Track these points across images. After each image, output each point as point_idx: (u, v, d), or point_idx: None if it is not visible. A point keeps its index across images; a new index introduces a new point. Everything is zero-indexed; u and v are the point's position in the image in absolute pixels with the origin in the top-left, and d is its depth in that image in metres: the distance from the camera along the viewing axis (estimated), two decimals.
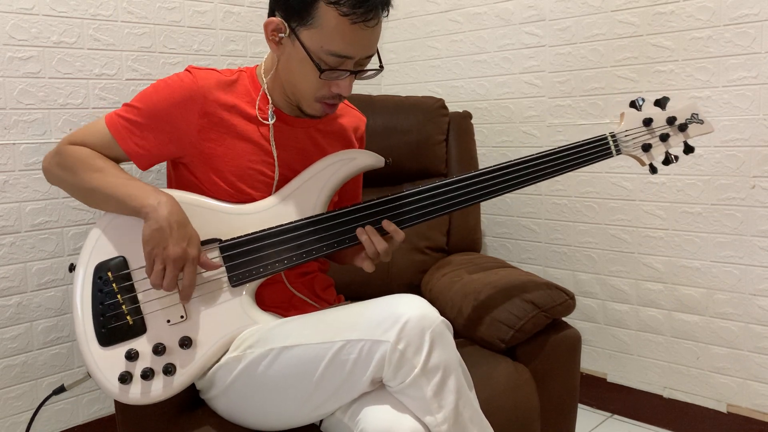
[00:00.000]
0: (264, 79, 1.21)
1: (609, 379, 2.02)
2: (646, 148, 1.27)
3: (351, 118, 1.35)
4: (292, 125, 1.23)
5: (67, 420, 1.74)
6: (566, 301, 1.36)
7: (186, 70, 1.18)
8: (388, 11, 1.12)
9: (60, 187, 1.21)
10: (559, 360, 1.37)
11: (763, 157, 1.68)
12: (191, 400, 1.23)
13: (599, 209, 1.97)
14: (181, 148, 1.17)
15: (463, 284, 1.52)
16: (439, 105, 1.89)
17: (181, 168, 1.21)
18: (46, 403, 1.70)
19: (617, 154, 1.27)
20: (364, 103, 1.85)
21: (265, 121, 1.20)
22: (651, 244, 1.88)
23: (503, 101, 2.14)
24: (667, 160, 1.29)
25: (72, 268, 1.14)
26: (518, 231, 2.16)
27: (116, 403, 1.21)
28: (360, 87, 2.40)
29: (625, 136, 1.27)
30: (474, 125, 2.14)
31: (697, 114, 1.28)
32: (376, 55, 1.14)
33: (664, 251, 1.86)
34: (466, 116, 1.94)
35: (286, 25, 1.10)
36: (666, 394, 1.91)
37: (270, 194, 1.21)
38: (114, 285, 1.10)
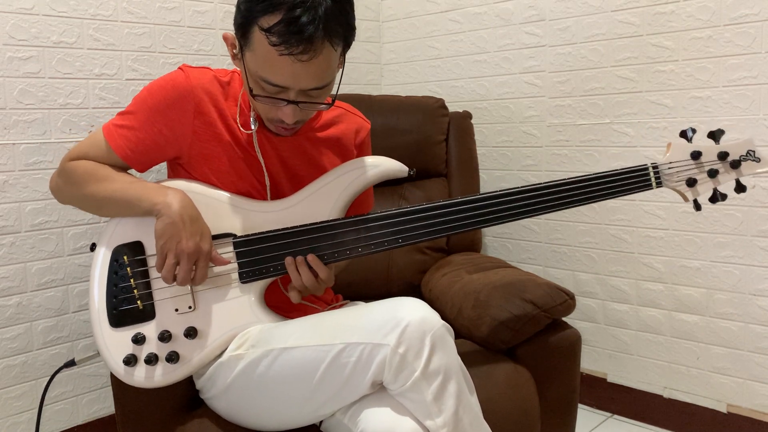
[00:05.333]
0: None
1: (609, 379, 2.02)
2: (691, 183, 1.18)
3: (349, 124, 1.30)
4: (276, 134, 1.21)
5: (67, 420, 1.74)
6: (566, 301, 1.36)
7: (179, 68, 1.17)
8: (340, 45, 1.04)
9: (72, 204, 1.22)
10: (559, 360, 1.37)
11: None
12: (191, 400, 1.23)
13: (599, 209, 1.97)
14: (178, 149, 1.17)
15: (463, 284, 1.52)
16: (439, 105, 1.89)
17: (180, 168, 1.21)
18: (48, 402, 1.70)
19: (657, 187, 1.18)
20: (364, 103, 1.85)
21: (246, 130, 1.18)
22: (651, 244, 1.88)
23: (503, 101, 2.14)
24: (715, 198, 1.19)
25: (93, 247, 1.16)
26: (518, 231, 2.16)
27: (116, 402, 1.21)
28: (360, 87, 2.40)
29: (669, 168, 1.18)
30: (474, 125, 2.14)
31: (753, 151, 1.18)
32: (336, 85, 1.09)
33: (664, 251, 1.86)
34: (466, 116, 1.94)
35: (237, 42, 1.08)
36: (666, 394, 1.91)
37: (265, 199, 1.20)
38: (129, 269, 1.13)
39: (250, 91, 1.06)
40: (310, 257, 1.12)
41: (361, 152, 1.33)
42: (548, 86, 2.03)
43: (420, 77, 2.35)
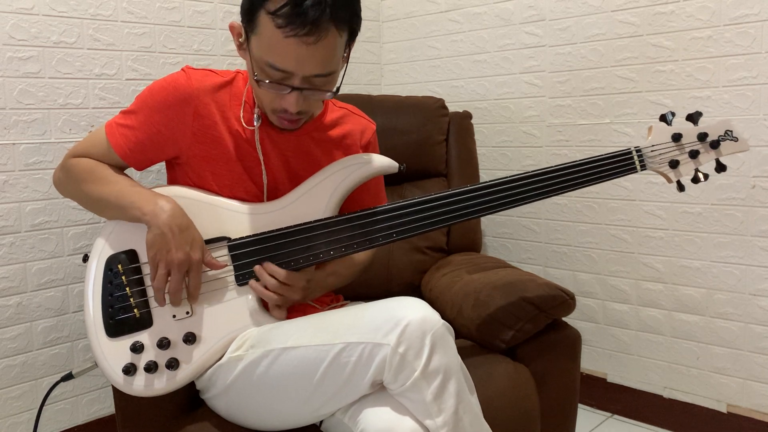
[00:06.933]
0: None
1: (609, 379, 2.02)
2: (674, 164, 1.21)
3: (354, 125, 1.30)
4: (283, 133, 1.21)
5: (67, 420, 1.74)
6: (566, 301, 1.36)
7: (182, 70, 1.17)
8: (345, 31, 1.04)
9: (72, 199, 1.23)
10: (559, 360, 1.37)
11: (763, 157, 1.68)
12: (191, 400, 1.23)
13: (599, 209, 1.97)
14: (176, 149, 1.18)
15: (463, 284, 1.52)
16: (439, 105, 1.89)
17: (178, 168, 1.21)
18: (48, 401, 1.70)
19: (642, 170, 1.21)
20: (364, 103, 1.85)
21: (249, 126, 1.18)
22: (651, 244, 1.88)
23: (503, 101, 2.14)
24: (696, 179, 1.22)
25: (86, 258, 1.16)
26: (518, 231, 2.16)
27: (116, 403, 1.21)
28: (360, 87, 2.40)
29: (652, 151, 1.21)
30: (474, 125, 2.14)
31: (731, 131, 1.21)
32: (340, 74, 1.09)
33: (664, 251, 1.86)
34: (466, 116, 1.94)
35: (243, 30, 1.08)
36: (666, 394, 1.91)
37: (262, 199, 1.21)
38: (123, 278, 1.12)
39: (255, 77, 1.06)
40: (265, 264, 1.12)
41: (367, 152, 1.33)
42: (548, 86, 2.03)
43: (420, 77, 2.35)
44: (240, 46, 1.11)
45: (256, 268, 1.13)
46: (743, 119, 1.69)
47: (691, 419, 1.85)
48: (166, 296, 1.10)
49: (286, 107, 1.09)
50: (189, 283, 1.09)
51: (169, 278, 1.08)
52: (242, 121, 1.18)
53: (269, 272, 1.12)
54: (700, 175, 1.23)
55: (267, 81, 1.06)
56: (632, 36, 1.85)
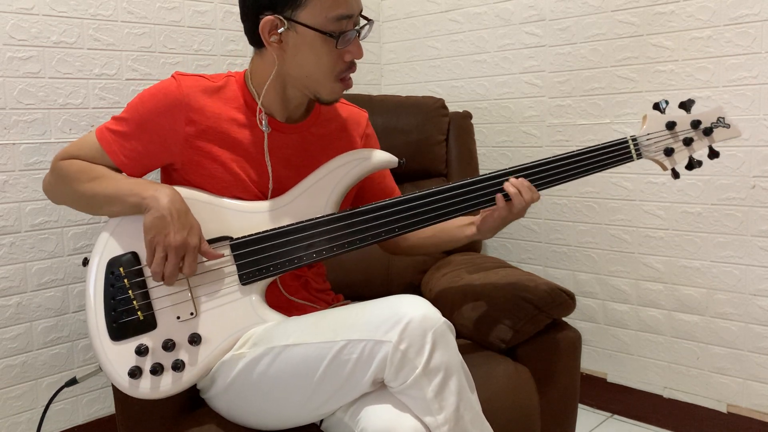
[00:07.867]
0: (253, 88, 1.19)
1: (609, 379, 2.02)
2: (669, 152, 1.23)
3: (348, 115, 1.32)
4: (284, 132, 1.22)
5: (67, 420, 1.74)
6: (566, 301, 1.36)
7: (172, 76, 1.17)
8: None
9: (65, 203, 1.22)
10: (559, 360, 1.37)
11: (763, 157, 1.68)
12: (191, 400, 1.23)
13: (599, 209, 1.97)
14: (170, 155, 1.17)
15: (463, 284, 1.52)
16: (439, 105, 1.89)
17: (174, 174, 1.21)
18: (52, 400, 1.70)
19: (638, 159, 1.23)
20: (364, 103, 1.85)
21: (260, 127, 1.19)
22: (651, 244, 1.88)
23: (503, 101, 2.14)
24: (691, 165, 1.25)
25: (86, 262, 1.15)
26: (518, 231, 2.16)
27: (116, 402, 1.21)
28: (360, 87, 2.40)
29: (647, 139, 1.23)
30: (474, 125, 2.14)
31: (723, 118, 1.23)
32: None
33: (664, 251, 1.86)
34: (466, 116, 1.94)
35: (280, 18, 1.09)
36: (666, 394, 1.91)
37: (260, 200, 1.20)
38: (126, 280, 1.11)
39: (331, 35, 1.09)
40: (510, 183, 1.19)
41: (368, 143, 1.34)
42: (548, 86, 2.03)
43: (420, 77, 2.36)
44: (280, 39, 1.12)
45: (508, 183, 1.18)
46: (743, 119, 1.69)
47: (691, 419, 1.85)
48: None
49: (353, 56, 1.14)
50: (183, 267, 1.08)
51: (166, 262, 1.07)
52: (259, 123, 1.18)
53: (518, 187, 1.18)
54: (694, 162, 1.25)
55: (338, 34, 1.09)
56: (632, 36, 1.85)
